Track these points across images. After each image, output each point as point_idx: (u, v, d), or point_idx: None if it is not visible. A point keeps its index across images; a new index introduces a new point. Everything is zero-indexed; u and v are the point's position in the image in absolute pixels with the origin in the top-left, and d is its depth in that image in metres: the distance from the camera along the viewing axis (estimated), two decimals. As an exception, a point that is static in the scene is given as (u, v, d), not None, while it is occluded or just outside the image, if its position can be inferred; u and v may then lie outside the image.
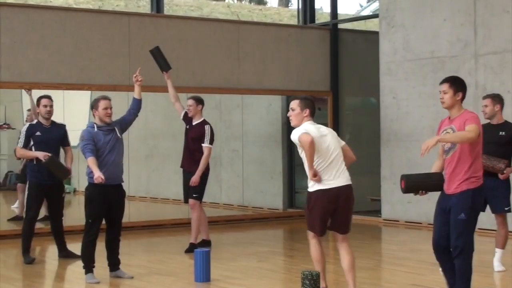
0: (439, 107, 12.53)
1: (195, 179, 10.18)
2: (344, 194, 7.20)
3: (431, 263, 9.19)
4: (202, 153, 10.26)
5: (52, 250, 10.25)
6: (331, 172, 7.10)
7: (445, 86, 6.91)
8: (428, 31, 12.98)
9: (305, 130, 6.99)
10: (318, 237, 7.32)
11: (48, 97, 9.62)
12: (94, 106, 8.43)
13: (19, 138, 9.63)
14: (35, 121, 9.74)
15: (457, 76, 7.20)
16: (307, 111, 7.18)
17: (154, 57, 10.16)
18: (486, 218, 9.21)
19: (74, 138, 9.91)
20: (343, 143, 7.35)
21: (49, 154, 9.21)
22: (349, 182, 7.26)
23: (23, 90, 12.53)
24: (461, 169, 6.70)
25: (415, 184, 6.99)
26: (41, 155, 9.23)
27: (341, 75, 15.13)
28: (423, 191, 6.90)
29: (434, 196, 12.77)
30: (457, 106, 6.87)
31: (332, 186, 7.08)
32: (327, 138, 7.14)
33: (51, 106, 9.57)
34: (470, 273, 6.72)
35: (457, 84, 6.92)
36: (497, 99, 8.80)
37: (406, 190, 6.92)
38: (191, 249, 10.09)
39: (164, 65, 10.18)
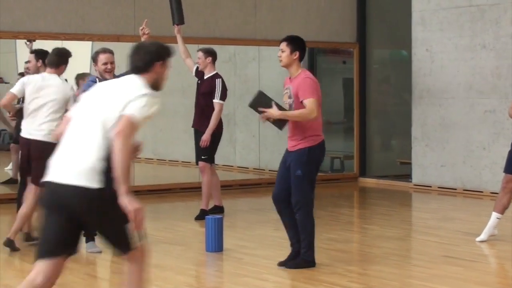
0: (478, 61, 12.63)
1: (205, 138, 10.20)
2: None
3: (465, 233, 9.29)
4: (213, 109, 10.28)
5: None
6: None
7: (283, 45, 7.47)
8: (466, -25, 12.94)
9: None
10: None
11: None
12: (94, 59, 8.46)
13: None
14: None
15: (296, 35, 7.70)
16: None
17: (172, 6, 10.03)
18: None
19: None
20: None
21: None
22: None
23: (17, 41, 12.53)
24: (300, 129, 7.45)
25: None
26: None
27: (368, 25, 15.11)
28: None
29: (471, 160, 12.81)
30: (295, 66, 7.50)
31: None
32: None
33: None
34: (312, 226, 7.56)
35: (294, 43, 7.47)
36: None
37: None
38: (202, 216, 10.15)
39: (178, 17, 10.07)
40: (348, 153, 15.35)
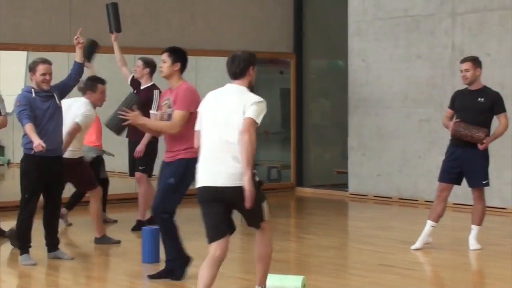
0: (413, 70, 12.80)
1: (139, 148, 10.17)
2: None
3: (401, 241, 9.40)
4: None
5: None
6: None
7: (164, 56, 7.48)
8: (401, -14, 13.09)
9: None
10: None
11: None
12: (32, 69, 8.36)
13: None
14: None
15: (178, 47, 7.73)
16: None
17: (108, 14, 9.91)
18: (462, 192, 9.42)
19: (9, 103, 9.83)
20: None
21: None
22: None
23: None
24: (178, 141, 7.41)
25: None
26: None
27: (305, 35, 15.18)
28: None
29: (406, 169, 13.00)
30: (175, 77, 7.51)
31: None
32: None
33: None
34: (176, 231, 7.64)
35: (175, 55, 7.52)
36: (477, 62, 8.91)
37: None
38: (138, 227, 10.14)
39: (115, 25, 9.98)
40: (285, 162, 15.42)
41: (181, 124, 7.28)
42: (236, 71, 6.33)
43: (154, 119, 7.74)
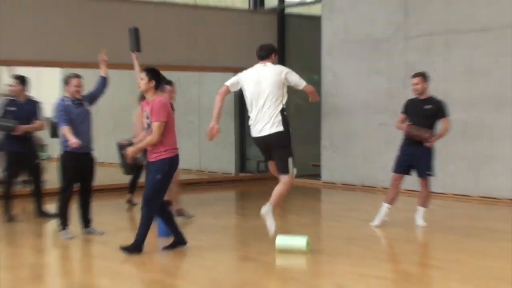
0: (373, 84, 12.83)
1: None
2: None
3: (363, 220, 9.42)
4: None
5: (31, 210, 10.17)
6: None
7: (142, 74, 7.33)
8: (364, 15, 13.06)
9: None
10: None
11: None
12: (66, 82, 8.41)
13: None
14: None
15: (153, 67, 7.53)
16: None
17: (130, 36, 9.65)
18: (412, 181, 9.44)
19: (45, 110, 9.88)
20: None
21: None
22: None
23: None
24: (159, 145, 7.27)
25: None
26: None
27: (287, 55, 15.16)
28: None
29: (368, 163, 13.02)
30: (151, 92, 7.31)
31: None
32: None
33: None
34: (151, 220, 7.42)
35: (151, 74, 7.31)
36: (426, 77, 8.93)
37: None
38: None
39: (136, 46, 9.66)
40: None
41: (159, 133, 7.20)
42: (263, 54, 7.82)
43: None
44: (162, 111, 7.22)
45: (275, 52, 7.90)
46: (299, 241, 7.45)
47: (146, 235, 7.38)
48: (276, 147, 7.51)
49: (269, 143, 7.56)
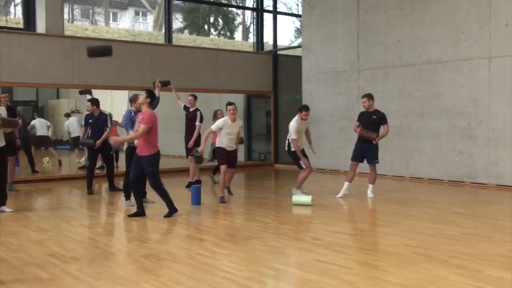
0: (337, 101, 12.75)
1: (191, 143, 10.00)
2: None
3: (331, 193, 9.36)
4: (195, 128, 10.11)
5: (106, 186, 10.18)
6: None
7: (143, 92, 7.10)
8: (330, 55, 13.04)
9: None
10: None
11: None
12: (132, 100, 8.37)
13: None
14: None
15: (151, 89, 7.33)
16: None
17: (165, 84, 9.41)
18: (364, 166, 9.39)
19: (119, 118, 9.79)
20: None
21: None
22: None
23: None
24: (146, 143, 7.02)
25: (95, 51, 7.79)
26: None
27: (279, 82, 15.12)
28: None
29: (333, 154, 12.85)
30: (145, 106, 7.08)
31: None
32: None
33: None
34: (165, 193, 7.19)
35: (148, 94, 7.10)
36: (371, 96, 8.88)
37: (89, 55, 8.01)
38: (189, 185, 10.10)
39: (168, 83, 9.52)
40: (268, 150, 15.34)
41: (143, 133, 6.94)
42: None
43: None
44: (150, 120, 6.98)
45: None
46: (307, 198, 8.01)
47: (170, 199, 7.25)
48: None
49: None
